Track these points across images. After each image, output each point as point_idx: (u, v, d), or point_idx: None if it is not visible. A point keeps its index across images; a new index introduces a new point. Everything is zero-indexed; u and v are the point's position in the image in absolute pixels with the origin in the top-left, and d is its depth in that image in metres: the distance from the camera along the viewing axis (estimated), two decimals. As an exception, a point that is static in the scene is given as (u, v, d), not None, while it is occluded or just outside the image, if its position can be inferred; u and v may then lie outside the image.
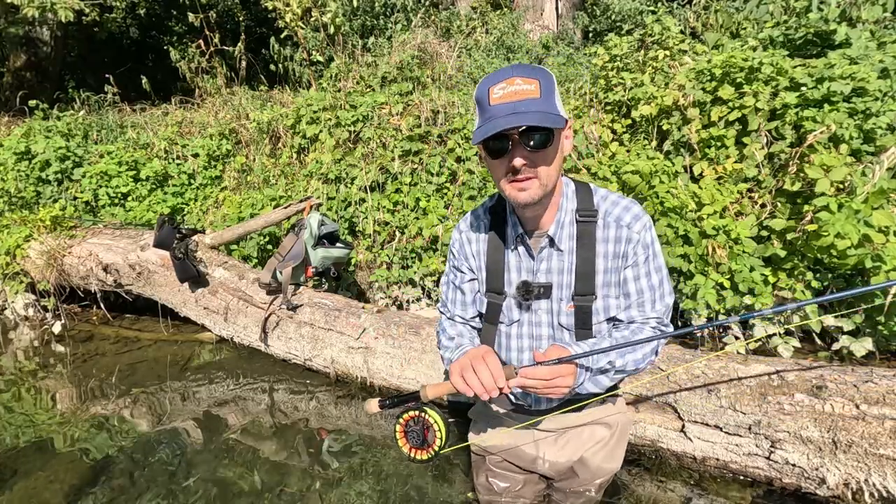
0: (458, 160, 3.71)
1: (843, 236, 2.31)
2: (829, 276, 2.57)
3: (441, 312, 1.48)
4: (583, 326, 1.25)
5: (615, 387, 1.48)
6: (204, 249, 3.23)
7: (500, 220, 1.32)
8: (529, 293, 1.25)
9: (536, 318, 1.29)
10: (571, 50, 6.40)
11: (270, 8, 5.57)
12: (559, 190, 1.25)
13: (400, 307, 3.50)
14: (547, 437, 1.45)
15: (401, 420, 1.22)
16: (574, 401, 1.35)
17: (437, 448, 1.17)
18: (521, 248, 1.29)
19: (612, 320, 1.27)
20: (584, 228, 1.23)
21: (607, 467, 1.46)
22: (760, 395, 1.72)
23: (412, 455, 1.20)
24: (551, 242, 1.25)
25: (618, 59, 3.91)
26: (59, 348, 3.38)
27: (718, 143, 3.04)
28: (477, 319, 1.40)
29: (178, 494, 1.92)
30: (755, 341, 2.65)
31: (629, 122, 3.49)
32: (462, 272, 1.39)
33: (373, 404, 1.19)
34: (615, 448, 1.47)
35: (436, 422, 1.17)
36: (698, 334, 2.78)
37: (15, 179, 4.50)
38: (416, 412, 1.20)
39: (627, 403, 1.88)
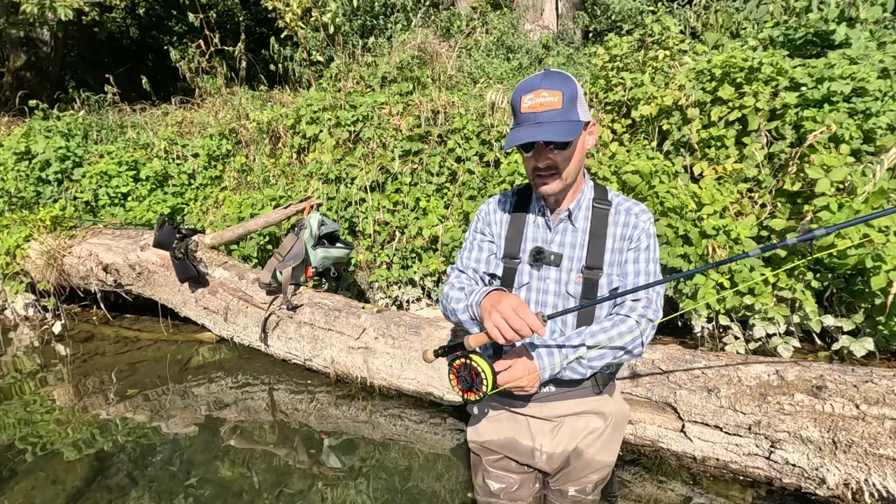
0: (458, 160, 3.71)
1: (843, 236, 2.31)
2: (830, 275, 2.57)
3: (454, 269, 1.60)
4: (587, 296, 1.38)
5: (612, 376, 1.51)
6: (204, 249, 3.23)
7: (526, 198, 1.50)
8: (541, 255, 1.41)
9: (544, 285, 1.43)
10: (571, 50, 6.41)
11: (270, 8, 5.57)
12: (582, 179, 1.43)
13: (400, 307, 3.50)
14: (542, 427, 1.47)
15: (453, 366, 1.39)
16: (568, 384, 1.45)
17: (485, 391, 1.33)
18: (540, 221, 1.45)
19: (613, 290, 1.41)
20: (598, 213, 1.42)
21: (601, 460, 1.46)
22: (760, 395, 1.72)
23: (464, 397, 1.37)
24: (569, 216, 1.42)
25: (618, 59, 3.91)
26: (59, 348, 3.38)
27: (718, 143, 3.04)
28: (488, 277, 1.55)
29: (179, 494, 1.92)
30: (755, 341, 2.66)
31: (629, 122, 3.49)
32: (483, 234, 1.56)
33: (429, 354, 1.38)
34: (610, 440, 1.48)
35: (483, 369, 1.32)
36: (698, 334, 2.78)
37: (15, 179, 4.50)
38: (464, 360, 1.36)
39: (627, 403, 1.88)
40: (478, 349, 1.34)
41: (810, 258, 2.44)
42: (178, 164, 4.65)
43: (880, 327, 2.42)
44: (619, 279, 1.40)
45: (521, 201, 1.51)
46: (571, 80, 1.29)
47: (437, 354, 1.37)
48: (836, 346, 2.50)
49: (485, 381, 1.32)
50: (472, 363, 1.33)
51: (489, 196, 1.63)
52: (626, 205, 1.42)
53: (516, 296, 1.29)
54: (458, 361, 1.36)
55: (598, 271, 1.38)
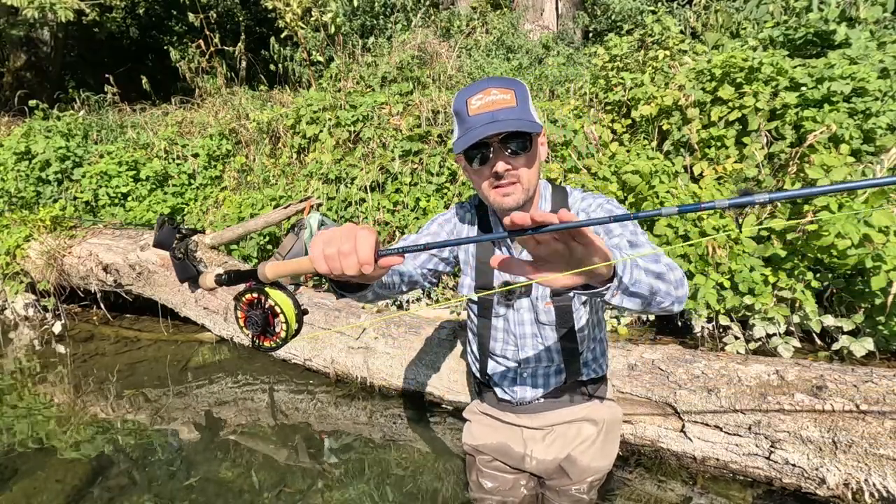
0: (458, 160, 3.71)
1: (843, 236, 2.31)
2: (830, 275, 2.57)
3: None
4: (564, 324, 1.30)
5: (603, 379, 1.49)
6: (204, 249, 3.23)
7: (486, 219, 1.37)
8: (511, 293, 1.31)
9: (519, 316, 1.36)
10: (571, 50, 6.40)
11: (270, 8, 5.57)
12: (537, 194, 1.31)
13: (400, 307, 3.50)
14: (534, 435, 1.47)
15: (241, 302, 1.04)
16: (557, 394, 1.42)
17: (283, 336, 1.03)
18: (503, 250, 1.34)
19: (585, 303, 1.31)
20: None
21: (596, 466, 1.46)
22: (760, 395, 1.72)
23: (257, 342, 1.05)
24: None
25: (618, 59, 3.91)
26: (60, 348, 3.38)
27: (718, 143, 3.04)
28: (418, 272, 1.33)
29: (178, 494, 1.92)
30: (755, 341, 2.66)
31: (629, 122, 3.49)
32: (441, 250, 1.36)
33: (208, 279, 1.03)
34: (604, 446, 1.46)
35: (283, 307, 1.00)
36: (698, 334, 2.78)
37: (15, 179, 4.50)
38: (256, 295, 1.01)
39: (625, 402, 1.88)
40: (281, 283, 0.98)
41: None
42: (178, 164, 4.65)
43: (880, 327, 2.42)
44: None
45: (482, 224, 1.36)
46: (520, 81, 1.18)
47: (219, 281, 1.01)
48: (836, 346, 2.50)
49: (284, 324, 0.99)
50: (268, 300, 1.00)
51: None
52: (581, 205, 1.28)
53: (373, 230, 0.82)
54: (248, 296, 1.02)
55: (567, 294, 1.26)
